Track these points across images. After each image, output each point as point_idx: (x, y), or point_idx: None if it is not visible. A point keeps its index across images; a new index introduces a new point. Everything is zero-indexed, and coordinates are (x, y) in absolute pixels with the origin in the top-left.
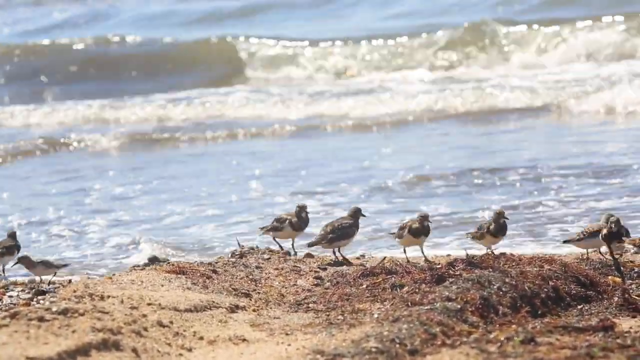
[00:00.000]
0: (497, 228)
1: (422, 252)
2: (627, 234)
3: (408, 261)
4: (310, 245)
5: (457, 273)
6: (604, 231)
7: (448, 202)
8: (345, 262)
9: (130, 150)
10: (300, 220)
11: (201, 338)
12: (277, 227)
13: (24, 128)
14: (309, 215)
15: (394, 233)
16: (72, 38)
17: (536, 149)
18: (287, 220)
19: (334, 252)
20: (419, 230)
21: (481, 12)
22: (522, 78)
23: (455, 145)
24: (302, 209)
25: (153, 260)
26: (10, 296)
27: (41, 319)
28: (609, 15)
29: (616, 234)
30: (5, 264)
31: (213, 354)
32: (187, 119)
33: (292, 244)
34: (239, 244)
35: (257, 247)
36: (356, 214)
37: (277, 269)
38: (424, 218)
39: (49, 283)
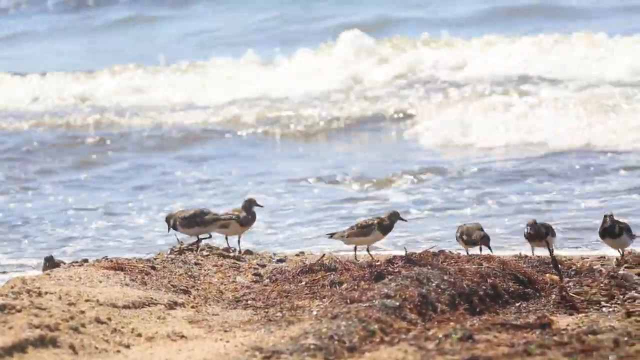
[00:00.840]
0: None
1: (368, 251)
2: (551, 233)
3: (356, 259)
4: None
5: (396, 270)
6: (525, 231)
7: None
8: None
9: None
10: (249, 215)
11: (139, 335)
12: (224, 225)
13: None
14: None
15: (334, 233)
16: None
17: None
18: (235, 216)
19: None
20: (389, 228)
21: None
22: None
23: None
24: (251, 202)
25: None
26: None
27: None
28: None
29: (534, 235)
30: None
31: (151, 351)
32: None
33: (239, 241)
34: (178, 240)
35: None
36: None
37: (216, 265)
38: (395, 215)
39: None
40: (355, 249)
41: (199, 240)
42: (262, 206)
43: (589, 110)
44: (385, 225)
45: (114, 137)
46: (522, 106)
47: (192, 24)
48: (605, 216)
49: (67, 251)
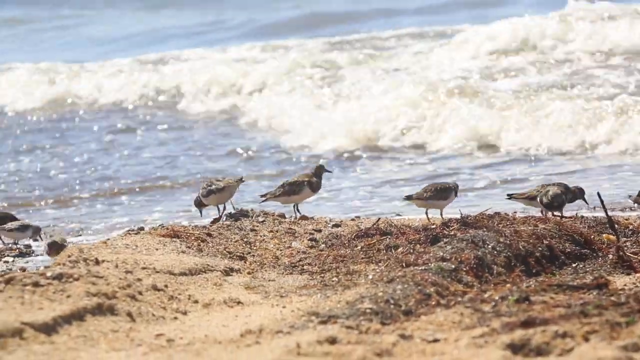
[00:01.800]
0: None
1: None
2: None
3: None
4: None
5: (452, 233)
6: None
7: None
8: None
9: None
10: (318, 179)
11: (196, 301)
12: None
13: None
14: None
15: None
16: None
17: None
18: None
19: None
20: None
21: None
22: None
23: None
24: (321, 168)
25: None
26: (6, 262)
27: (36, 284)
28: None
29: (550, 205)
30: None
31: (208, 317)
32: None
33: (295, 207)
34: (233, 207)
35: (252, 209)
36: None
37: (271, 231)
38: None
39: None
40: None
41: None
42: (331, 171)
43: None
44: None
45: None
46: None
47: None
48: None
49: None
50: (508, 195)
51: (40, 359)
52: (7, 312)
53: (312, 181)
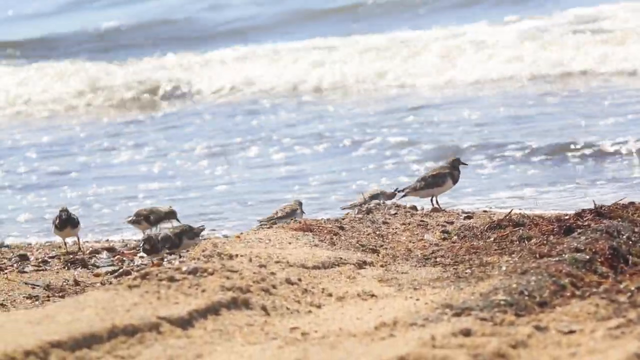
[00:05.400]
0: None
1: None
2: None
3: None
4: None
5: (586, 224)
6: None
7: None
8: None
9: None
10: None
11: (330, 294)
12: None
13: None
14: None
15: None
16: None
17: None
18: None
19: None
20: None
21: None
22: None
23: None
24: (457, 161)
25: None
26: (142, 257)
27: (171, 279)
28: None
29: None
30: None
31: (342, 310)
32: None
33: (435, 200)
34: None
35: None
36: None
37: (404, 224)
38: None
39: None
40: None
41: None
42: (466, 165)
43: None
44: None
45: None
46: None
47: None
48: None
49: None
50: None
51: (177, 353)
52: (143, 306)
53: (454, 173)
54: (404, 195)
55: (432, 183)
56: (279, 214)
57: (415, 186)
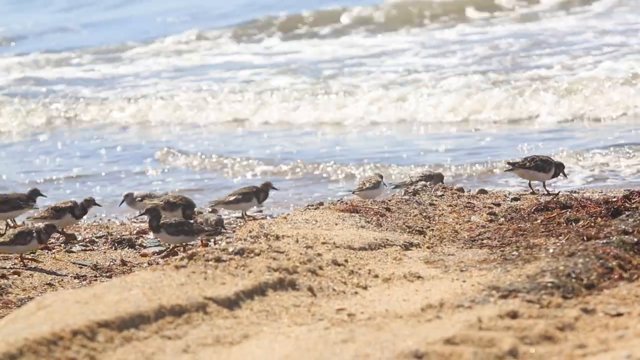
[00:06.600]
0: None
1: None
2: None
3: None
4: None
5: (634, 206)
6: None
7: None
8: None
9: None
10: None
11: (376, 276)
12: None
13: None
14: None
15: None
16: None
17: None
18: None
19: None
20: None
21: None
22: None
23: None
24: None
25: None
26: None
27: (218, 260)
28: None
29: None
30: None
31: (388, 292)
32: None
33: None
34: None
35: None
36: None
37: (450, 205)
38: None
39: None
40: None
41: None
42: None
43: None
44: None
45: None
46: None
47: None
48: None
49: None
50: None
51: (224, 333)
52: (190, 287)
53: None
54: (509, 170)
55: (539, 167)
56: (367, 186)
57: (524, 163)
